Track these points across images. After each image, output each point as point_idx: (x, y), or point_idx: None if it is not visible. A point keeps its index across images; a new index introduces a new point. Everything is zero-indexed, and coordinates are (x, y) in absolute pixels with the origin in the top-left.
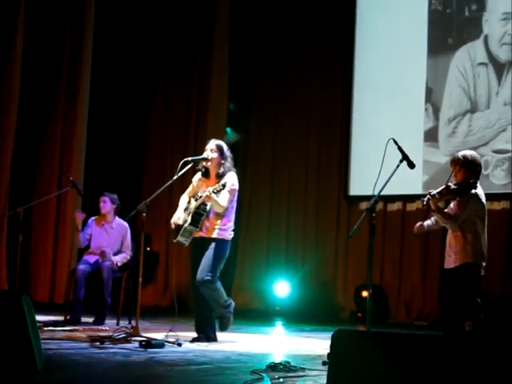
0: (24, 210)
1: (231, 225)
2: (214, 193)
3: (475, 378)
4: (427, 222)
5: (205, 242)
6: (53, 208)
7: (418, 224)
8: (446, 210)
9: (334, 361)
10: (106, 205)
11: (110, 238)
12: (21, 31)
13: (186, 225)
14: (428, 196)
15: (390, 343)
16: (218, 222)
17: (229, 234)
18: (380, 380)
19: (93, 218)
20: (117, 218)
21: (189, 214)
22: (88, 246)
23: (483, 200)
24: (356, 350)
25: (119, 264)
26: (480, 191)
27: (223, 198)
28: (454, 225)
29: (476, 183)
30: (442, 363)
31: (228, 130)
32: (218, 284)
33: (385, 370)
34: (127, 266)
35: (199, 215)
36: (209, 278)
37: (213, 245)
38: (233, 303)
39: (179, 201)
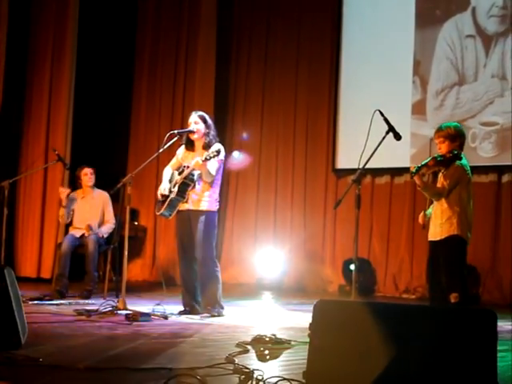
0: (9, 184)
1: (217, 196)
2: (207, 159)
3: (459, 347)
4: (428, 210)
5: (191, 215)
6: (39, 182)
7: (422, 214)
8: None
9: (315, 330)
10: (93, 177)
11: (91, 209)
12: None
13: (173, 195)
14: (413, 170)
15: (372, 313)
16: (205, 193)
17: (215, 205)
18: (361, 349)
19: (73, 193)
20: (95, 188)
21: (175, 185)
22: (72, 221)
23: (468, 171)
24: (337, 320)
25: (105, 235)
26: (465, 162)
27: (212, 167)
28: (441, 197)
29: (460, 154)
30: (424, 333)
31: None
32: (219, 272)
33: (366, 339)
34: (112, 238)
35: (186, 185)
36: (209, 253)
37: (202, 218)
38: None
39: (163, 173)
